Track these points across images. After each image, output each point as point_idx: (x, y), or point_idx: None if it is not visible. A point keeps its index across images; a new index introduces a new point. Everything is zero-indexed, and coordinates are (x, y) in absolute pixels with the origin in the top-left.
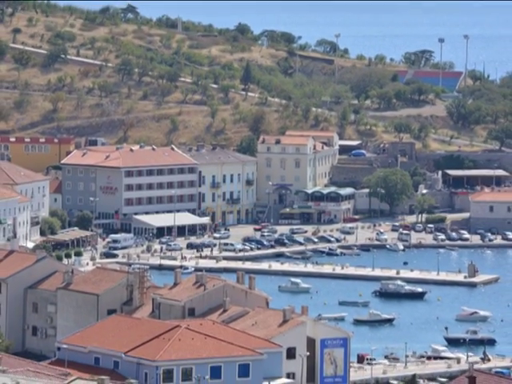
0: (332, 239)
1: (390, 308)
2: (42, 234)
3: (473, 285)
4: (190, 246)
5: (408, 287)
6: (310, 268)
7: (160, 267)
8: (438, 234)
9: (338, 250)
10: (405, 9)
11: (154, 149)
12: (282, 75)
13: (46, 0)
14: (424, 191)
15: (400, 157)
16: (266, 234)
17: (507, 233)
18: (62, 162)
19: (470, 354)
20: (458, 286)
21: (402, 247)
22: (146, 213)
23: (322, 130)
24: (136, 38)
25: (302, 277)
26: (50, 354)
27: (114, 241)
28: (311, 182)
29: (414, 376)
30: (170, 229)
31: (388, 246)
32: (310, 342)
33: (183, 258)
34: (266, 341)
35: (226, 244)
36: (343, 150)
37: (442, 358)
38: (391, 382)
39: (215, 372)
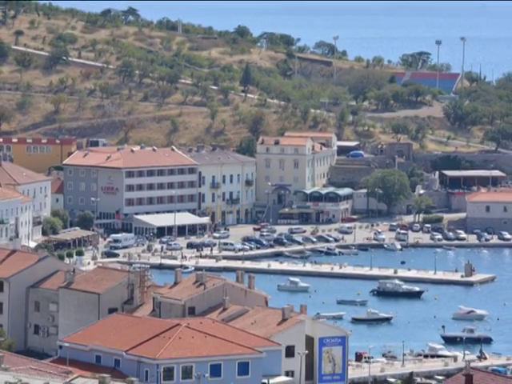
0: (330, 239)
1: (388, 307)
2: (44, 233)
3: (469, 284)
4: (190, 246)
5: (405, 286)
6: (308, 267)
7: (160, 266)
8: (435, 233)
9: (337, 250)
10: (402, 11)
11: (154, 149)
12: (280, 77)
13: (48, 0)
14: (421, 191)
15: (397, 157)
16: (265, 233)
17: (503, 232)
18: (64, 162)
19: (466, 352)
20: (455, 285)
21: (399, 247)
22: (147, 213)
23: (321, 131)
24: (137, 40)
25: (301, 276)
26: (51, 352)
27: (115, 240)
28: (310, 182)
29: (411, 374)
30: (170, 228)
31: (386, 246)
32: (309, 341)
33: (183, 257)
34: (265, 339)
35: (225, 243)
36: (341, 150)
37: (439, 356)
38: (389, 379)
39: (215, 370)
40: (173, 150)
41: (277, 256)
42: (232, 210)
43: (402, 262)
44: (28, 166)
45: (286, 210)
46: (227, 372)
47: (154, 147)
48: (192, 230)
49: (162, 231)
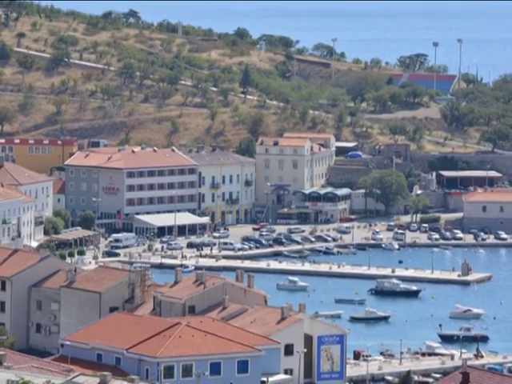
0: (329, 238)
1: (386, 306)
2: (46, 233)
3: (466, 283)
4: (190, 245)
5: (403, 285)
6: (307, 267)
7: (161, 266)
8: (432, 233)
9: (335, 249)
10: (400, 13)
11: (155, 150)
12: (280, 78)
13: (50, 0)
14: (418, 192)
15: (395, 158)
16: (264, 233)
17: (500, 232)
18: (66, 163)
19: (463, 350)
20: (452, 285)
21: (397, 246)
22: (148, 213)
23: (319, 132)
24: (137, 42)
25: (300, 275)
26: (53, 350)
27: (116, 240)
28: (308, 182)
29: (408, 372)
30: (170, 228)
31: (383, 245)
32: (308, 339)
33: (183, 256)
34: (264, 338)
35: (225, 243)
36: (340, 151)
37: (436, 354)
38: (386, 377)
39: (215, 368)
40: (173, 150)
41: (276, 255)
42: (232, 210)
43: (400, 262)
44: (30, 167)
45: (285, 210)
46: (227, 370)
47: (155, 148)
48: (192, 229)
49: (162, 231)
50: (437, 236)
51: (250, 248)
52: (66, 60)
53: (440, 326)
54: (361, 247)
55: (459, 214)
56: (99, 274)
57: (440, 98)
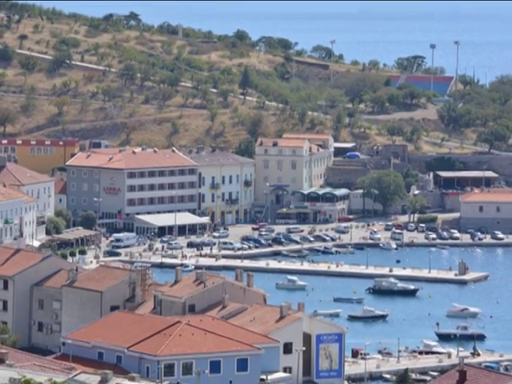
0: (327, 238)
1: (384, 304)
2: (48, 233)
3: (463, 282)
4: (190, 245)
5: (400, 284)
6: (306, 266)
7: (161, 265)
8: (429, 233)
9: (333, 249)
10: (397, 16)
11: (155, 151)
12: (279, 80)
13: (52, 0)
14: (416, 192)
15: (393, 159)
16: (263, 233)
17: (496, 232)
18: (67, 163)
19: (460, 348)
20: (449, 284)
21: (394, 246)
22: (148, 213)
23: (318, 133)
24: (138, 44)
25: (299, 274)
26: (55, 348)
27: (117, 240)
28: (307, 182)
29: (406, 370)
30: (170, 228)
31: (381, 245)
32: (306, 338)
33: (184, 256)
34: (263, 336)
35: (225, 243)
36: (338, 152)
37: (433, 352)
38: (384, 375)
39: (215, 366)
40: (173, 151)
41: (275, 255)
42: (231, 209)
43: (398, 261)
44: (32, 167)
45: (284, 209)
46: (226, 368)
47: (155, 149)
48: (192, 229)
49: (162, 231)
50: (434, 236)
51: (250, 247)
52: (68, 62)
53: (437, 324)
54: (359, 247)
55: (456, 214)
56: (100, 274)
57: (437, 99)
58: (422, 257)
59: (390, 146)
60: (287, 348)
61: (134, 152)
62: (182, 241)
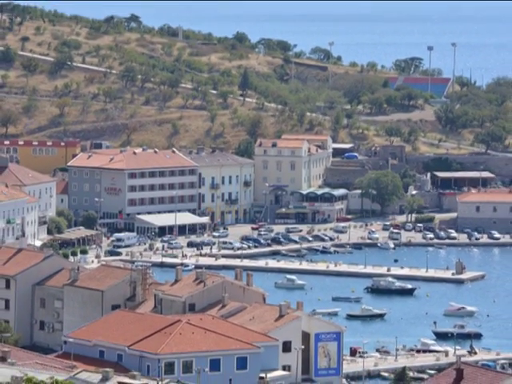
0: (326, 238)
1: (381, 303)
2: (49, 232)
3: (460, 281)
4: (190, 245)
5: (398, 284)
6: (304, 265)
7: (162, 265)
8: (426, 232)
9: (332, 248)
10: (395, 18)
11: (156, 152)
12: (278, 81)
13: (54, 0)
14: (413, 192)
15: (391, 159)
16: (262, 232)
17: (493, 232)
18: (69, 164)
19: (457, 347)
20: (446, 283)
21: (392, 245)
22: (149, 213)
23: (317, 134)
24: (139, 45)
25: (298, 274)
26: (56, 347)
27: (118, 239)
28: (306, 183)
29: (403, 368)
30: (171, 228)
31: (379, 245)
32: (305, 336)
33: (184, 255)
34: (262, 335)
35: (224, 242)
36: (336, 152)
37: (430, 351)
38: (382, 374)
39: (214, 364)
40: (174, 152)
41: (274, 254)
42: (231, 210)
43: (395, 261)
44: (34, 168)
45: (283, 210)
46: (226, 366)
47: (156, 149)
48: (192, 229)
49: (163, 230)
50: (431, 235)
51: (249, 247)
52: (69, 63)
53: (434, 323)
54: (357, 246)
55: (453, 214)
56: (101, 273)
57: (434, 100)
58: (419, 256)
59: (387, 147)
60: (286, 346)
61: (134, 153)
62: (182, 240)
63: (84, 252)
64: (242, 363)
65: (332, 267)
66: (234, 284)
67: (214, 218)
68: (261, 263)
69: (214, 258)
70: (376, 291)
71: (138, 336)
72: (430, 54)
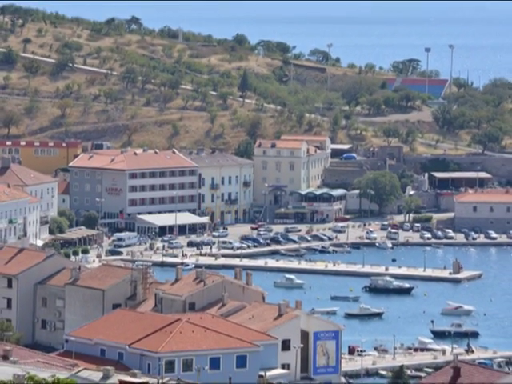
0: (324, 237)
1: (379, 302)
2: (51, 232)
3: (457, 281)
4: (190, 244)
5: (396, 283)
6: (303, 265)
7: (162, 264)
8: (424, 232)
9: (330, 248)
10: (393, 20)
11: (156, 152)
12: (277, 83)
13: (55, 1)
14: (411, 192)
15: (389, 160)
16: (262, 232)
17: (490, 231)
18: (70, 164)
19: (454, 345)
20: (444, 282)
21: (390, 245)
22: (149, 213)
23: (315, 135)
24: (139, 47)
25: (296, 273)
26: (58, 345)
27: (119, 239)
28: (305, 183)
29: (401, 367)
30: (171, 228)
31: (377, 244)
32: (304, 335)
33: (184, 255)
34: (262, 333)
35: (224, 242)
36: (335, 153)
37: (428, 349)
38: (380, 372)
39: (214, 363)
40: (174, 152)
41: (273, 254)
42: (230, 210)
43: (393, 260)
44: (36, 168)
45: (282, 210)
46: (226, 365)
47: (156, 150)
48: (192, 229)
49: (163, 230)
50: (429, 235)
51: (249, 247)
52: (71, 65)
53: (432, 322)
54: (355, 246)
55: (450, 214)
56: (102, 272)
57: (432, 101)
58: (417, 256)
59: (385, 148)
60: (285, 345)
61: (135, 153)
62: (182, 240)
63: (85, 251)
64: (241, 362)
65: (330, 266)
66: (233, 283)
67: (214, 217)
68: (260, 263)
69: (213, 258)
70: (374, 290)
71: (139, 335)
72: (428, 56)
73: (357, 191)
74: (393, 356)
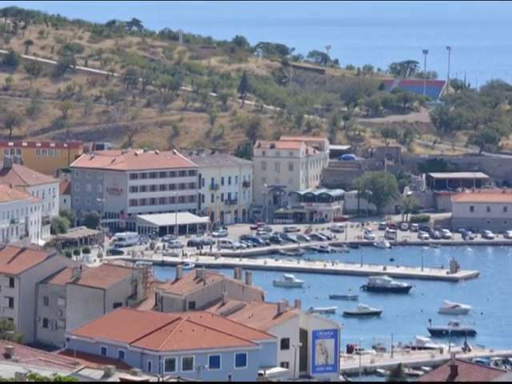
0: (323, 237)
1: (378, 302)
2: (53, 232)
3: (454, 280)
4: (190, 244)
5: (394, 282)
6: (302, 264)
7: (162, 263)
8: (422, 232)
9: (329, 248)
10: (391, 22)
11: (156, 153)
12: (276, 84)
13: (58, 1)
14: (409, 192)
15: (387, 160)
16: (261, 232)
17: (486, 231)
18: (71, 165)
19: (451, 344)
20: (441, 281)
21: (388, 245)
22: (150, 213)
23: (314, 136)
24: (140, 49)
25: (295, 272)
26: (59, 344)
27: (120, 239)
28: (304, 183)
29: (399, 365)
30: (171, 228)
31: (375, 244)
32: (303, 334)
33: (184, 254)
34: (261, 332)
35: (224, 242)
36: (333, 154)
37: (425, 348)
38: (378, 370)
39: (214, 361)
40: (174, 153)
41: (272, 253)
42: (230, 210)
43: (391, 259)
44: (37, 169)
45: (282, 210)
46: (225, 363)
47: (157, 151)
48: (192, 229)
49: (163, 230)
50: (426, 235)
51: (248, 246)
52: (72, 66)
53: (429, 320)
54: (354, 245)
55: (448, 214)
56: (103, 272)
57: (429, 102)
58: (414, 255)
59: (383, 148)
60: (284, 343)
61: (136, 154)
62: (182, 240)
63: (86, 251)
64: (241, 360)
65: (329, 266)
66: (233, 282)
67: (214, 217)
68: (259, 262)
69: (213, 257)
70: (372, 289)
71: (140, 333)
72: (426, 58)
73: (355, 191)
74: (391, 354)
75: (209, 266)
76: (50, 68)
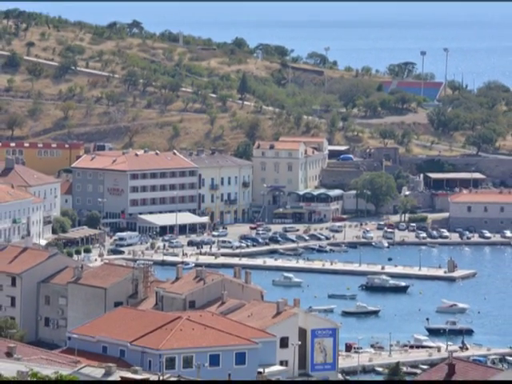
0: (322, 237)
1: (376, 301)
2: (54, 232)
3: (452, 279)
4: (190, 244)
5: (392, 281)
6: (301, 264)
7: (163, 263)
8: (419, 232)
9: (328, 247)
10: (389, 24)
11: (157, 153)
12: (275, 85)
13: (60, 1)
14: (407, 193)
15: (385, 161)
16: (260, 232)
17: (484, 231)
18: (73, 165)
19: (449, 343)
20: (439, 281)
21: (386, 244)
22: (150, 213)
23: (313, 136)
24: (140, 51)
25: (294, 272)
26: (61, 343)
27: (121, 238)
28: (303, 184)
29: (397, 363)
30: (172, 227)
31: (374, 244)
32: (302, 332)
33: (184, 254)
34: (260, 331)
35: (223, 241)
36: (332, 154)
37: (423, 346)
38: (377, 369)
39: (214, 360)
40: (174, 153)
41: (272, 253)
42: (230, 210)
43: (389, 259)
44: (39, 169)
45: (281, 210)
46: (225, 362)
47: (157, 151)
48: (192, 228)
49: (164, 230)
50: (424, 235)
51: (248, 246)
52: (73, 68)
53: (427, 319)
54: (352, 245)
55: (445, 214)
56: (104, 271)
57: (427, 104)
58: (412, 255)
59: (382, 149)
60: (283, 342)
61: (136, 154)
62: (182, 239)
63: (87, 251)
64: (240, 358)
65: (328, 265)
66: (232, 282)
67: (214, 217)
68: (259, 261)
69: (213, 257)
70: (370, 289)
71: (140, 332)
72: (423, 59)
73: (353, 191)
74: (389, 353)
75: (209, 266)
76: (51, 69)
